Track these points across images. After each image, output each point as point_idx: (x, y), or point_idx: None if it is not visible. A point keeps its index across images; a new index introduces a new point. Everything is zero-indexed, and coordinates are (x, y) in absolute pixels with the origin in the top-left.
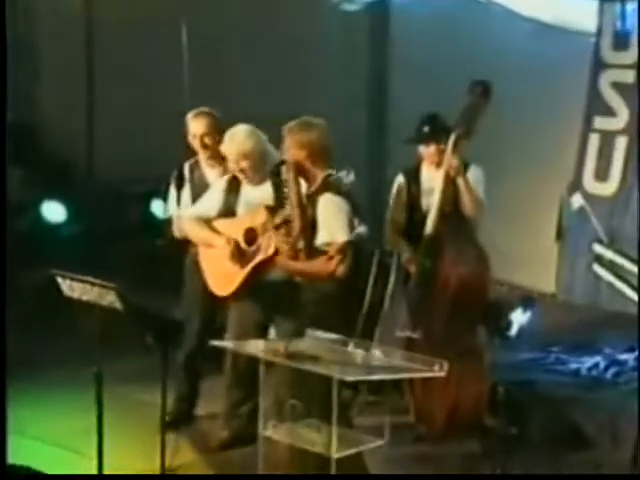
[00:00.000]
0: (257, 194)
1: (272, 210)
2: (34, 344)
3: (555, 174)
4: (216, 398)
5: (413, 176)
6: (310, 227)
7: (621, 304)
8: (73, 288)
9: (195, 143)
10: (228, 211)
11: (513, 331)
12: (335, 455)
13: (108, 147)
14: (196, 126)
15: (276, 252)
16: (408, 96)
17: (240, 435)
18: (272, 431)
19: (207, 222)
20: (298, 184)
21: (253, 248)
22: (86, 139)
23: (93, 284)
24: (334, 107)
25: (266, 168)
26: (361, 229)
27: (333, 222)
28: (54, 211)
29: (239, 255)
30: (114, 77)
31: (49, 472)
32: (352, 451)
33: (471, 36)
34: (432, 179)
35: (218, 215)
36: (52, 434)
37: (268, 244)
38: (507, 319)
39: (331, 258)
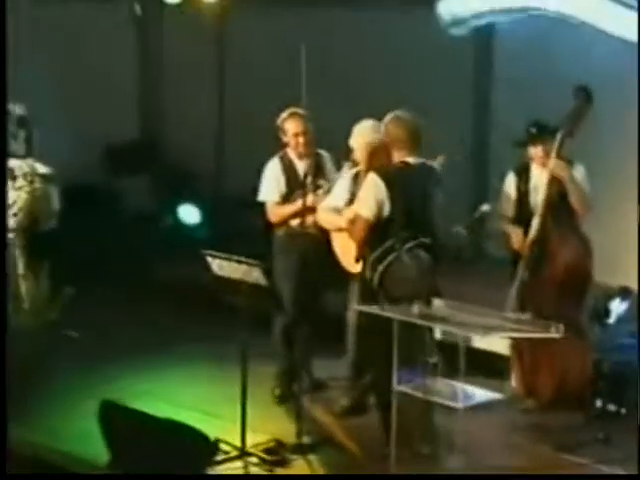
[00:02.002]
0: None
1: None
2: (184, 324)
3: None
4: (333, 369)
5: (523, 174)
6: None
7: None
8: (222, 267)
9: (295, 142)
10: (354, 200)
11: (612, 319)
12: (461, 406)
13: (234, 160)
14: (293, 125)
15: None
16: (509, 112)
17: (359, 404)
18: (405, 386)
19: (337, 211)
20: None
21: None
22: (215, 153)
23: (240, 262)
24: (441, 122)
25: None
26: (485, 207)
27: (363, 197)
28: (189, 214)
29: None
30: (239, 97)
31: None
32: (475, 402)
33: (565, 54)
34: (540, 177)
35: (346, 205)
36: (198, 402)
37: None
38: (606, 308)
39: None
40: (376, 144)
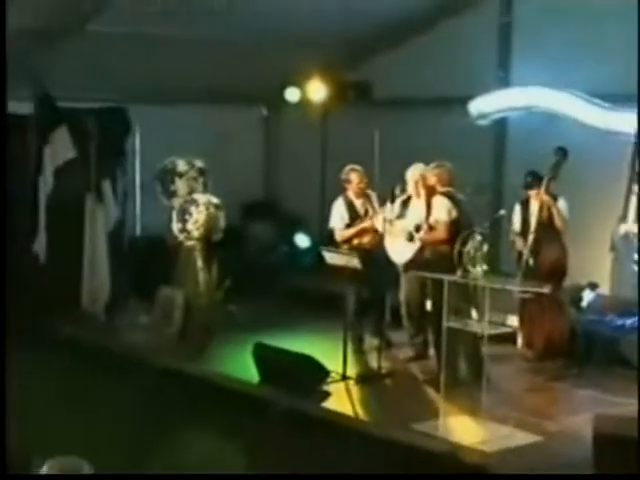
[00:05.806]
0: (421, 204)
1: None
2: (303, 307)
3: (614, 211)
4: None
5: (525, 205)
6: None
7: None
8: (332, 257)
9: (355, 188)
10: (401, 214)
11: (584, 303)
12: (486, 332)
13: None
14: (354, 176)
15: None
16: (516, 172)
17: (419, 354)
18: (452, 323)
19: (391, 221)
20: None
21: (420, 234)
22: (319, 204)
23: (344, 253)
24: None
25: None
26: (502, 212)
27: (438, 210)
28: (303, 241)
29: (411, 238)
30: (336, 166)
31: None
32: (498, 332)
33: (553, 134)
34: (534, 207)
35: (396, 217)
36: (315, 352)
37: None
38: (580, 296)
39: (440, 230)
40: (426, 181)
